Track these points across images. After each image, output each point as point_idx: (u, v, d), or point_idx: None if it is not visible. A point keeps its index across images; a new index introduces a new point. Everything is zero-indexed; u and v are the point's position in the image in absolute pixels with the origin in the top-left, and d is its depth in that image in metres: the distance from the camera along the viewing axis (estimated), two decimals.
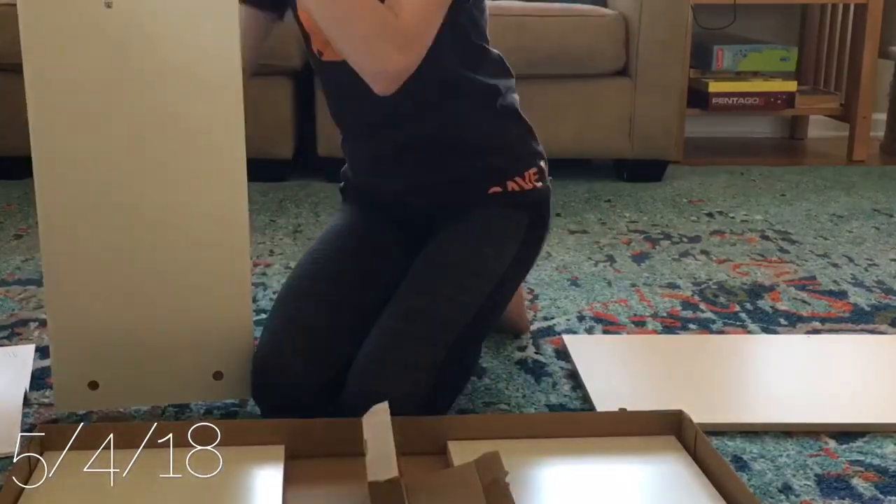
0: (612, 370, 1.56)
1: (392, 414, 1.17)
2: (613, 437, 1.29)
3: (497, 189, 1.50)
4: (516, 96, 1.55)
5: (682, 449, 1.27)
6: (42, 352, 1.62)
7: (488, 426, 1.29)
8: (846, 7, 3.44)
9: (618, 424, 1.30)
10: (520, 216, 1.50)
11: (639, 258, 2.19)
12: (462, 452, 1.21)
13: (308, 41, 1.49)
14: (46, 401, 1.45)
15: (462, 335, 1.35)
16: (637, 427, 1.30)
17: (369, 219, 1.56)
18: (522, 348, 1.66)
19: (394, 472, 1.02)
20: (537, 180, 1.52)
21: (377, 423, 1.13)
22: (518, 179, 1.51)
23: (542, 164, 1.55)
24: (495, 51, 1.53)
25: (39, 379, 1.53)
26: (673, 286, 2.00)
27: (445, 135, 1.48)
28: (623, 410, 1.33)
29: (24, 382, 1.49)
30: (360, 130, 1.54)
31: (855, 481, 1.25)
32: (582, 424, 1.30)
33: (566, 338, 1.67)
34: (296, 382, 1.31)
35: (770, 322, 1.80)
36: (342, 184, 1.64)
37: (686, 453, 1.25)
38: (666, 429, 1.30)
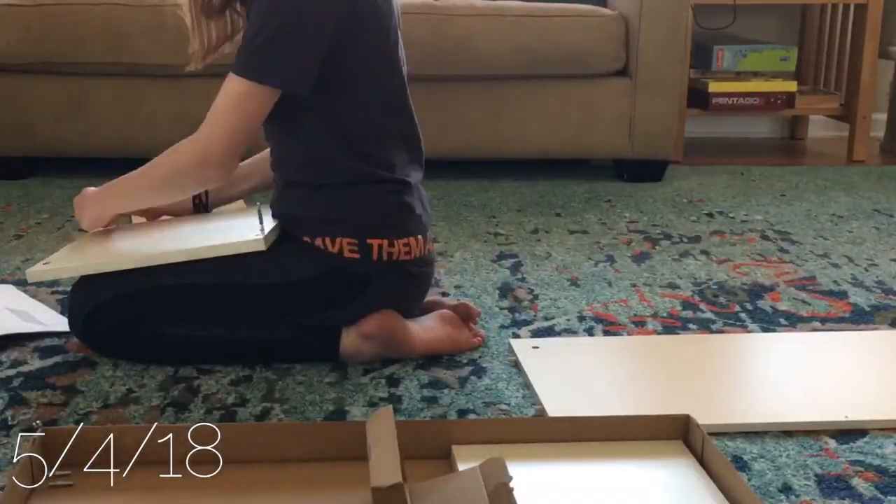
0: (567, 376, 1.54)
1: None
2: (620, 442, 1.28)
3: (306, 239, 1.57)
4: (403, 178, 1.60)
5: (689, 454, 1.25)
6: (42, 352, 1.62)
7: (493, 430, 1.28)
8: (846, 7, 3.43)
9: (624, 429, 1.29)
10: (313, 268, 1.56)
11: (639, 258, 2.19)
12: (466, 456, 1.21)
13: None
14: (45, 401, 1.45)
15: (151, 292, 1.55)
16: (644, 431, 1.29)
17: None
18: None
19: (397, 478, 1.01)
20: (351, 251, 1.55)
21: (381, 427, 1.13)
22: (326, 239, 1.56)
23: (377, 242, 1.56)
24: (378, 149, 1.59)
25: (38, 379, 1.53)
26: (673, 286, 2.00)
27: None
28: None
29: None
30: None
31: (855, 481, 1.24)
32: (588, 429, 1.29)
33: (513, 343, 1.66)
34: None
35: (770, 322, 1.80)
36: None
37: (693, 458, 1.24)
38: (673, 433, 1.29)
